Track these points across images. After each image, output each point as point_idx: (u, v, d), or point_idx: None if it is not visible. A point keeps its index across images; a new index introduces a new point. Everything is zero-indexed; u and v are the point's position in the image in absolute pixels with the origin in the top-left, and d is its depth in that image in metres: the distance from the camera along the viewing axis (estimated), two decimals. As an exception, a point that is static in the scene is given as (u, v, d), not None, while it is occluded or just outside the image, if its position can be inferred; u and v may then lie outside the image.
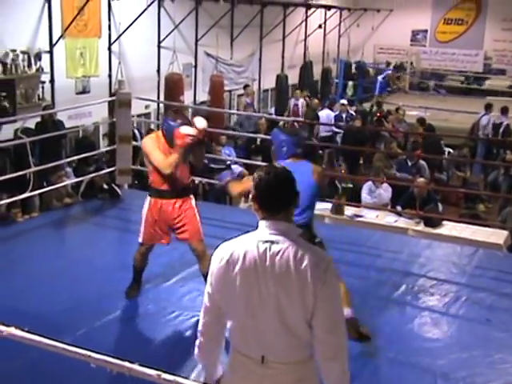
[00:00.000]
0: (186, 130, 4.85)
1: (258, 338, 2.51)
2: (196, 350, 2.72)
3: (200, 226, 5.10)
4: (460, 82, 23.07)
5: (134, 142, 8.52)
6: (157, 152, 4.92)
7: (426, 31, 24.41)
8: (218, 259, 2.56)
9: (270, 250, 2.47)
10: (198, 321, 2.71)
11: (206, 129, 4.95)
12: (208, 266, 5.49)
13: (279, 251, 2.46)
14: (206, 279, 5.65)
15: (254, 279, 2.47)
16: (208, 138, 13.22)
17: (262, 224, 2.54)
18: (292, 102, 16.59)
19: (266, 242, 2.48)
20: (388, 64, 24.08)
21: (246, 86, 16.18)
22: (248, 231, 2.60)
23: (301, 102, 16.28)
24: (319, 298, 2.43)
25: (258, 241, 2.50)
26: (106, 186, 7.95)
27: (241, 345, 2.57)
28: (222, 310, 2.58)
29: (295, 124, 13.65)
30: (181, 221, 5.03)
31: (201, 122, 4.92)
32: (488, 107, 14.75)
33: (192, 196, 5.19)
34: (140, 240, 5.15)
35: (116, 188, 7.92)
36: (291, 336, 2.49)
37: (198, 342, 2.70)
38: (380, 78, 20.02)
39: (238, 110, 15.72)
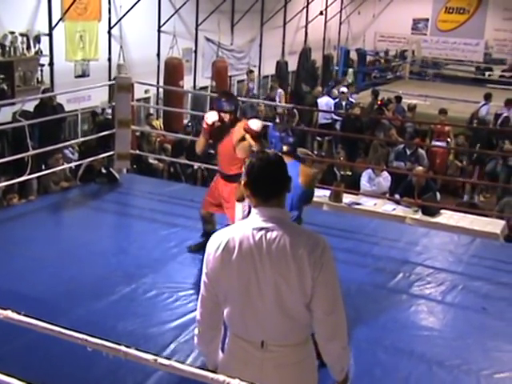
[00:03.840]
0: (208, 114, 5.31)
1: (257, 323, 2.53)
2: (195, 339, 2.74)
3: None
4: (470, 72, 22.84)
5: (133, 127, 8.49)
6: (201, 135, 5.57)
7: (427, 20, 24.32)
8: (213, 249, 2.55)
9: (265, 237, 2.47)
10: (195, 305, 2.71)
11: (259, 131, 5.23)
12: None
13: (275, 238, 2.47)
14: None
15: (251, 267, 2.47)
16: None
17: (255, 211, 2.54)
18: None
19: (261, 229, 2.49)
20: (387, 52, 23.96)
21: (250, 72, 16.24)
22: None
23: (279, 92, 15.86)
24: (317, 281, 2.46)
25: (253, 228, 2.50)
26: (104, 170, 7.91)
27: (240, 330, 2.58)
28: (219, 299, 2.58)
29: (295, 111, 13.72)
30: (228, 201, 5.52)
31: (254, 124, 5.25)
32: (488, 97, 14.59)
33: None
34: (200, 206, 5.85)
35: (114, 172, 7.88)
36: (290, 320, 2.52)
37: (196, 332, 2.71)
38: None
39: (240, 95, 15.63)
